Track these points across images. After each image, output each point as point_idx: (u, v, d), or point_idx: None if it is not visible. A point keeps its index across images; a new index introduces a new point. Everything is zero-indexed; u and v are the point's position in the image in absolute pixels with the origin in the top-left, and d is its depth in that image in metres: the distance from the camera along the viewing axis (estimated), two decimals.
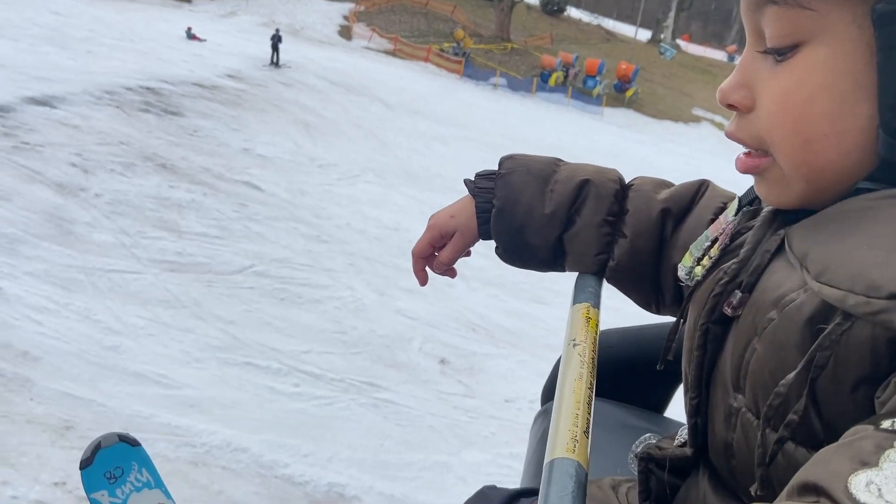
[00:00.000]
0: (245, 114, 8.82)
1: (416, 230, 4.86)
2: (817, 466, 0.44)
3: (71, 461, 2.40)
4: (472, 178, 1.04)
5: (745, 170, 0.65)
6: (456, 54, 24.56)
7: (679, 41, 44.74)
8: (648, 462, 0.78)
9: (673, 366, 0.86)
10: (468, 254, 1.09)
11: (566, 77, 25.51)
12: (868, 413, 0.50)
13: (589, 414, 0.70)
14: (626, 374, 1.34)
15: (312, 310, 4.14)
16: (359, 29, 27.77)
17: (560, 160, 1.04)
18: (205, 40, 16.51)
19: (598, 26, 47.72)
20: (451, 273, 1.10)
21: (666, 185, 1.01)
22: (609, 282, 1.00)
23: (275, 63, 15.80)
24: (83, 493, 2.36)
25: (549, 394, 1.42)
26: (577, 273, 1.02)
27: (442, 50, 25.15)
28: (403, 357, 3.84)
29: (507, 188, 0.99)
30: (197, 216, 5.08)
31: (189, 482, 2.48)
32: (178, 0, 25.91)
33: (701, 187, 0.97)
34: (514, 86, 22.38)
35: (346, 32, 27.93)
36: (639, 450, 0.83)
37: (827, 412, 0.54)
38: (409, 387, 3.53)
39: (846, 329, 0.51)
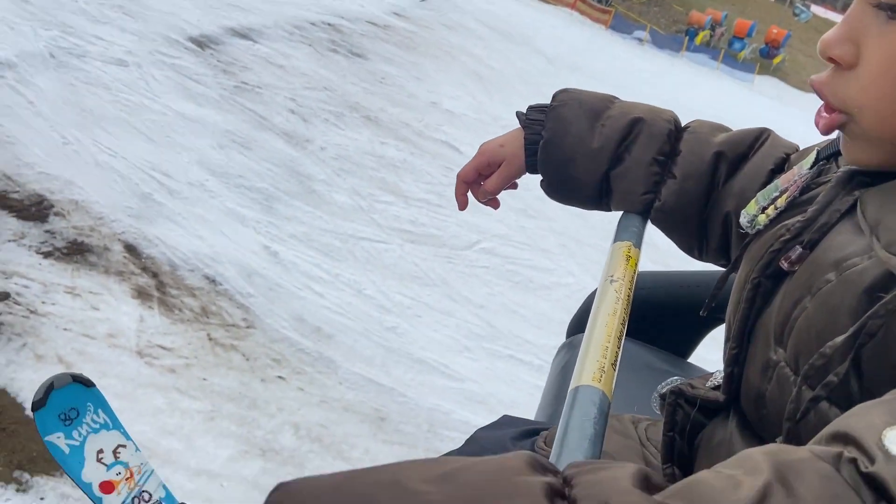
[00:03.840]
0: (422, 60, 8.70)
1: None
2: (852, 418, 0.43)
3: (394, 457, 2.40)
4: (524, 111, 1.03)
5: (825, 128, 0.62)
6: (599, 2, 23.54)
7: (811, 4, 41.44)
8: (678, 397, 0.78)
9: (703, 314, 0.85)
10: (514, 186, 1.08)
11: (711, 37, 24.14)
12: None
13: (618, 348, 0.71)
14: (655, 318, 1.33)
15: (546, 297, 4.05)
16: None
17: (615, 98, 1.02)
18: None
19: None
20: (494, 203, 1.07)
21: (724, 129, 0.98)
22: (653, 222, 0.98)
23: None
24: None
25: (575, 328, 1.44)
26: (620, 212, 0.99)
27: None
28: None
29: (557, 121, 0.98)
30: (413, 178, 5.03)
31: None
32: None
33: (761, 136, 0.93)
34: (660, 42, 21.33)
35: None
36: (664, 390, 0.83)
37: (868, 378, 0.53)
38: None
39: None
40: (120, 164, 3.54)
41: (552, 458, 0.61)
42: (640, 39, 20.84)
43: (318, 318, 2.97)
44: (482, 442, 1.02)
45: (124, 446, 0.93)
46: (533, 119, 1.02)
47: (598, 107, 0.99)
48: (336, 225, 3.85)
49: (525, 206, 5.35)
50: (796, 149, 0.92)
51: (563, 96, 1.01)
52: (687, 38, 22.63)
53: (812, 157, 0.74)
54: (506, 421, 1.08)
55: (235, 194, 3.72)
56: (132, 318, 2.53)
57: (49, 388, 0.89)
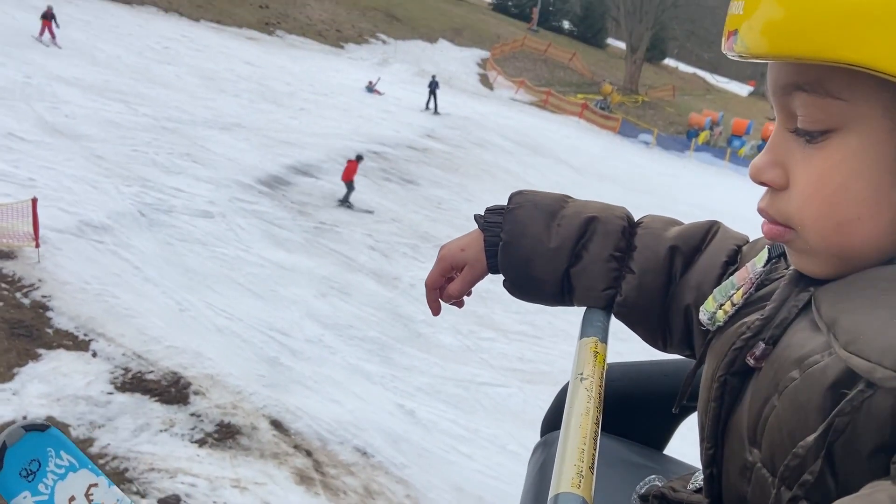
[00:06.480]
0: (466, 181, 8.84)
1: None
2: None
3: None
4: (482, 213, 1.05)
5: (771, 238, 0.65)
6: (602, 108, 24.27)
7: None
8: (661, 501, 0.78)
9: (675, 411, 0.86)
10: (469, 293, 1.10)
11: (711, 136, 24.75)
12: (884, 476, 0.49)
13: (594, 450, 0.72)
14: (627, 410, 1.32)
15: None
16: (500, 79, 28.13)
17: (569, 197, 1.06)
18: (384, 94, 17.06)
19: (695, 75, 47.34)
20: (459, 304, 1.10)
21: (676, 223, 1.01)
22: (617, 317, 1.01)
23: (433, 110, 16.04)
24: None
25: (549, 425, 1.42)
26: (584, 308, 1.01)
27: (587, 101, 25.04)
28: None
29: (513, 222, 1.01)
30: (502, 309, 4.94)
31: None
32: (332, 46, 26.97)
33: (711, 228, 0.98)
34: (665, 144, 21.86)
35: (485, 81, 28.26)
36: (643, 490, 0.84)
37: (842, 474, 0.54)
38: None
39: (868, 396, 0.51)
40: (238, 326, 3.46)
41: None
42: (647, 143, 21.29)
43: (475, 485, 2.80)
44: None
45: (96, 485, 0.87)
46: (491, 222, 1.02)
47: (552, 207, 1.02)
48: (453, 371, 3.73)
49: (626, 336, 5.26)
50: (746, 240, 0.95)
51: (518, 198, 1.04)
52: (693, 140, 23.19)
53: (764, 254, 0.77)
54: None
55: (352, 347, 3.62)
56: None
57: (2, 449, 0.81)
